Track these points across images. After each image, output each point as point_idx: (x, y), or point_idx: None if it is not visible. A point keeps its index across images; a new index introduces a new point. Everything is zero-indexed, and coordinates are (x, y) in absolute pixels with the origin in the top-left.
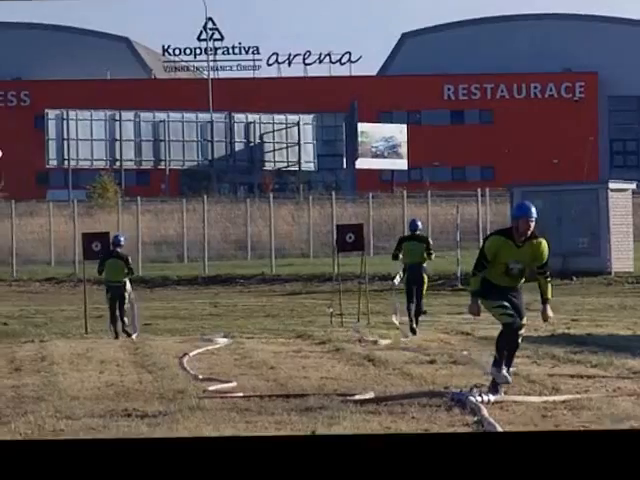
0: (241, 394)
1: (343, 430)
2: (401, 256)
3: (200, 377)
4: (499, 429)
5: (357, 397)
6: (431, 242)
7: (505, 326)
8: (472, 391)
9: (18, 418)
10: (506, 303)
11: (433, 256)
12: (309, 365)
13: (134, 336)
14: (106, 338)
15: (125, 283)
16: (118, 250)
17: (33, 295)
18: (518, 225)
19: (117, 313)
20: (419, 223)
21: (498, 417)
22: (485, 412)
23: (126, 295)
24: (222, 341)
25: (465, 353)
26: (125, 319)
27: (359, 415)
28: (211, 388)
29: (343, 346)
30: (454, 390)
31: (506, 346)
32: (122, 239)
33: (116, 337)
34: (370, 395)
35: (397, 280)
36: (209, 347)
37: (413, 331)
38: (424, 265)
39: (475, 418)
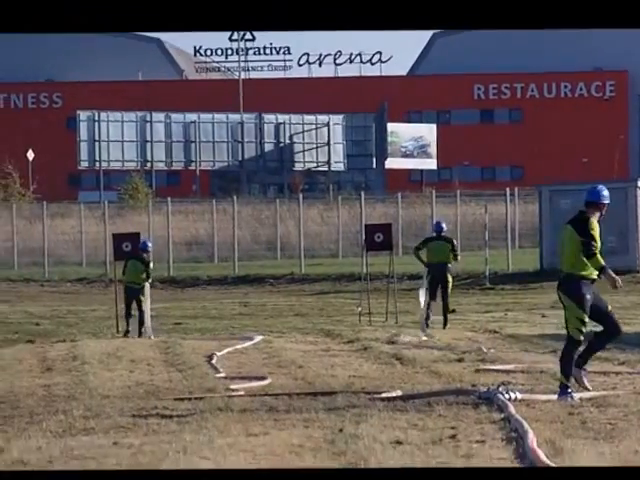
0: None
1: (370, 427)
2: (425, 258)
3: (224, 375)
4: (526, 426)
5: (384, 395)
6: (456, 243)
7: (571, 340)
8: (499, 389)
9: (49, 417)
10: (587, 319)
11: (459, 257)
12: (337, 364)
13: (152, 337)
14: (137, 337)
15: (143, 287)
16: (144, 256)
17: (65, 295)
18: (603, 208)
19: (133, 312)
20: (444, 225)
21: (525, 414)
22: (512, 409)
23: (142, 298)
24: (258, 338)
25: (492, 351)
26: (146, 319)
27: (386, 413)
28: (233, 387)
29: (371, 345)
30: (482, 388)
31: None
32: (149, 245)
33: (125, 334)
34: (397, 393)
35: (422, 295)
36: (238, 346)
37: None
38: (449, 265)
39: (502, 415)
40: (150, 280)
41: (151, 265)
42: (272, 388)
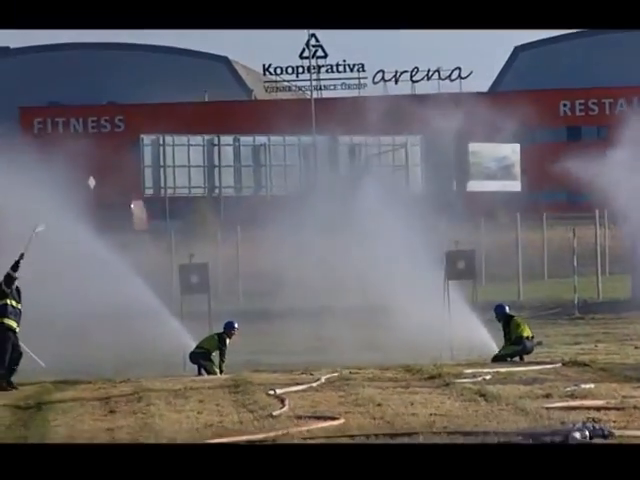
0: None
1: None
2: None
3: (296, 415)
4: None
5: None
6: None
7: None
8: (586, 425)
9: None
10: None
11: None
12: (418, 401)
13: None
14: (205, 375)
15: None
16: (225, 335)
17: (127, 331)
18: None
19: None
20: (506, 307)
21: None
22: None
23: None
24: (326, 377)
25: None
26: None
27: None
28: (307, 428)
29: (453, 380)
30: (570, 425)
31: None
32: (236, 326)
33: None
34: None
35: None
36: (313, 384)
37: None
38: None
39: None
40: (220, 370)
41: (225, 352)
42: (349, 429)
